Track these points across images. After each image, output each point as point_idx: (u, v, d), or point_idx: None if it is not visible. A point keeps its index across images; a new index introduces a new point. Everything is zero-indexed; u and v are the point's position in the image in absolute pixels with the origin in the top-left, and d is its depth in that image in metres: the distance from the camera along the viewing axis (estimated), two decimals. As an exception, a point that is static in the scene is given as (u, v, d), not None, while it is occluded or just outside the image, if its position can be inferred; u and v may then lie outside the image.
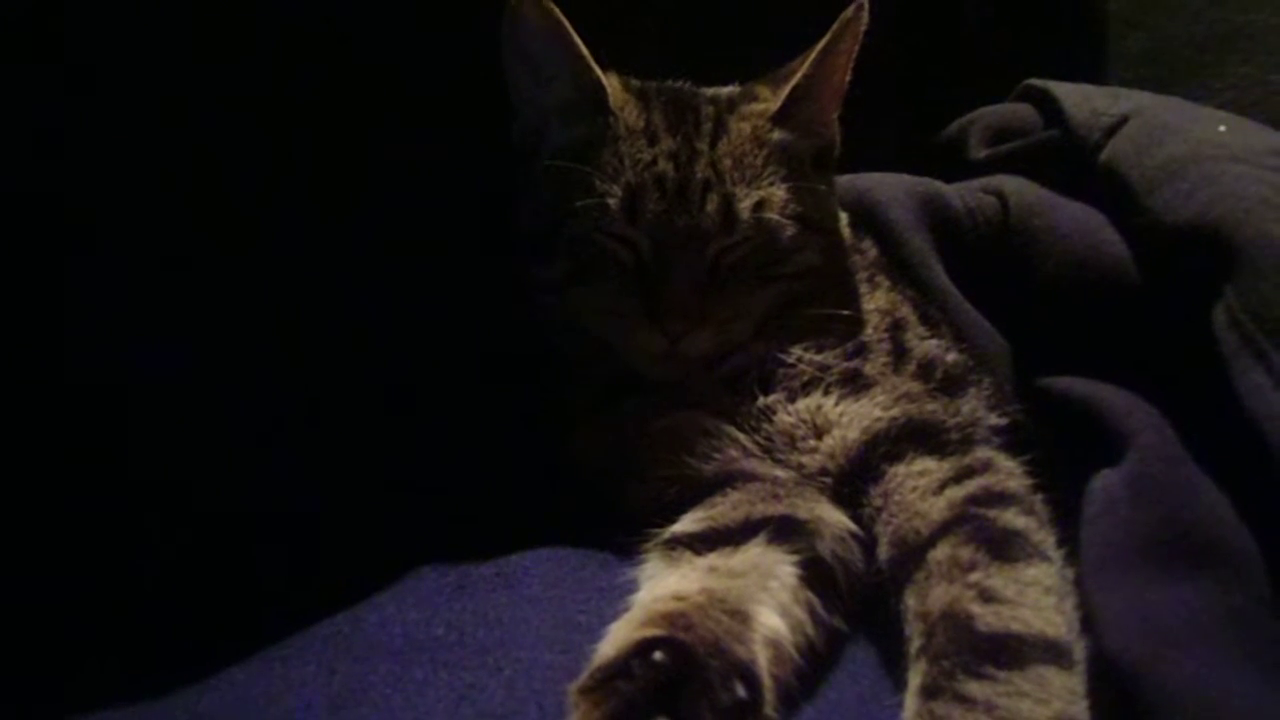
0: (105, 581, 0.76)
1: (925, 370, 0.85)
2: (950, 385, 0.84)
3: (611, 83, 0.88)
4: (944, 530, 0.69)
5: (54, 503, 0.81)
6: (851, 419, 0.80)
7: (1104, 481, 0.73)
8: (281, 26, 0.90)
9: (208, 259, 0.87)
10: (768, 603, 0.68)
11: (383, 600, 0.76)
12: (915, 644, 0.63)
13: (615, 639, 0.64)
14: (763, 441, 0.83)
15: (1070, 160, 0.94)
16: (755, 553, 0.72)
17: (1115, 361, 0.82)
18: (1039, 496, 0.74)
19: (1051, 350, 0.87)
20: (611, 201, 0.83)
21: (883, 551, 0.72)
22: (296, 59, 0.91)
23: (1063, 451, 0.80)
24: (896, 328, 0.87)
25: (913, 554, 0.69)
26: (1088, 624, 0.64)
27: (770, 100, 0.90)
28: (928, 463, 0.75)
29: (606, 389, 0.88)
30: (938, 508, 0.71)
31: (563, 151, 0.87)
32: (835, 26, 0.87)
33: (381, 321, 0.91)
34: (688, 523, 0.77)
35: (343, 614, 0.74)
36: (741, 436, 0.83)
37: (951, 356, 0.86)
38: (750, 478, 0.80)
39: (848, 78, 0.91)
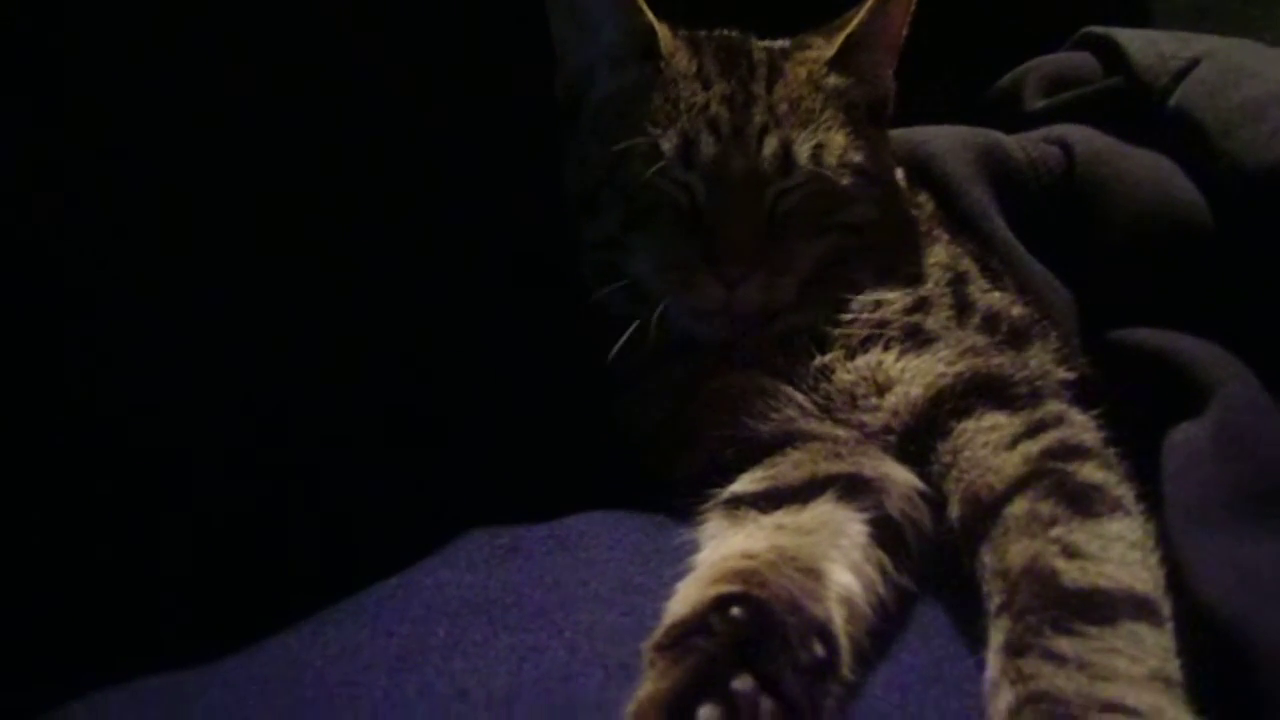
0: (155, 542, 0.74)
1: (990, 323, 0.81)
2: (1017, 339, 0.81)
3: (661, 29, 0.85)
4: (1020, 485, 0.66)
5: (86, 472, 0.79)
6: (914, 375, 0.77)
7: (1186, 435, 0.70)
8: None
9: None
10: (840, 560, 0.66)
11: (434, 563, 0.74)
12: (995, 601, 0.61)
13: (687, 596, 0.62)
14: (821, 400, 0.80)
15: (1134, 107, 0.90)
16: (825, 510, 0.70)
17: (1189, 311, 0.79)
18: (1113, 450, 0.70)
19: (1120, 302, 0.84)
20: (666, 146, 0.80)
21: (953, 509, 0.70)
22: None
23: (1133, 406, 0.77)
24: (958, 281, 0.84)
25: (988, 510, 0.66)
26: (1174, 580, 0.61)
27: (825, 47, 0.87)
28: (998, 417, 0.72)
29: (658, 351, 0.85)
30: (1012, 463, 0.68)
31: (611, 99, 0.84)
32: None
33: (436, 289, 0.89)
34: (748, 482, 0.75)
35: (395, 578, 0.72)
36: (799, 396, 0.80)
37: (1017, 310, 0.83)
38: (809, 437, 0.78)
39: (905, 30, 0.88)
